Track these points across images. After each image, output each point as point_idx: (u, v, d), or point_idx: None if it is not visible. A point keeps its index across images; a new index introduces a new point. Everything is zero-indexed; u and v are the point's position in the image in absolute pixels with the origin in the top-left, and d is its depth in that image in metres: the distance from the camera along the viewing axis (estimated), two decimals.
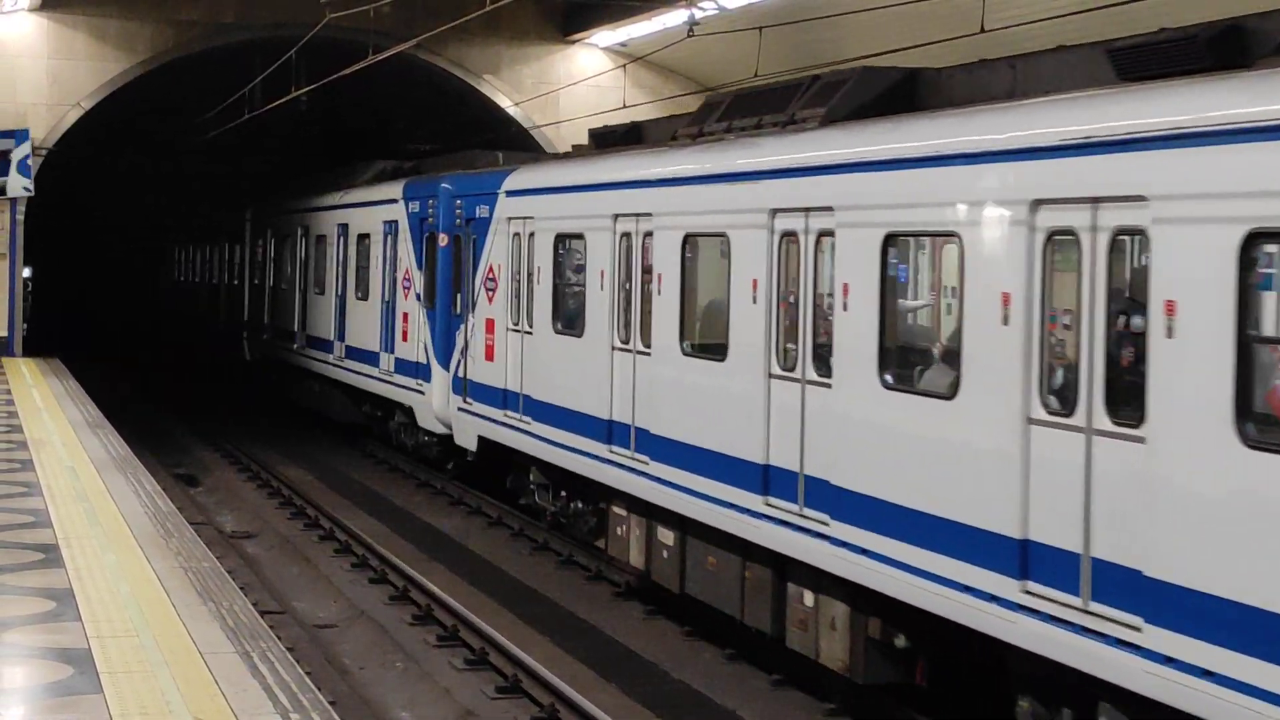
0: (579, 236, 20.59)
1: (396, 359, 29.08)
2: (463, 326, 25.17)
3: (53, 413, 25.49)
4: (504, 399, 22.99)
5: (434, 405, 26.75)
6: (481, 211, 24.32)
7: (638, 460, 18.33)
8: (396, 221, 29.21)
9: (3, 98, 34.30)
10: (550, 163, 24.21)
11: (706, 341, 17.05)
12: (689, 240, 17.41)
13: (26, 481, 18.39)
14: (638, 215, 18.66)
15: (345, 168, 35.51)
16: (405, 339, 28.56)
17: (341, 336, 33.30)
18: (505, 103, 36.57)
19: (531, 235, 22.13)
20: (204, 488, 30.35)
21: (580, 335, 20.18)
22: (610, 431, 19.18)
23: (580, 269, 20.66)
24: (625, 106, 30.45)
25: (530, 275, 22.20)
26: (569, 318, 21.00)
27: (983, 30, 16.60)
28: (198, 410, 41.29)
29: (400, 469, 31.76)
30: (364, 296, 31.59)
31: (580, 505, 21.49)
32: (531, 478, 23.09)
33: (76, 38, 34.58)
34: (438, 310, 26.74)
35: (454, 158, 29.42)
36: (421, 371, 27.51)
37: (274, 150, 52.40)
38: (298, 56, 32.93)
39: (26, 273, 38.07)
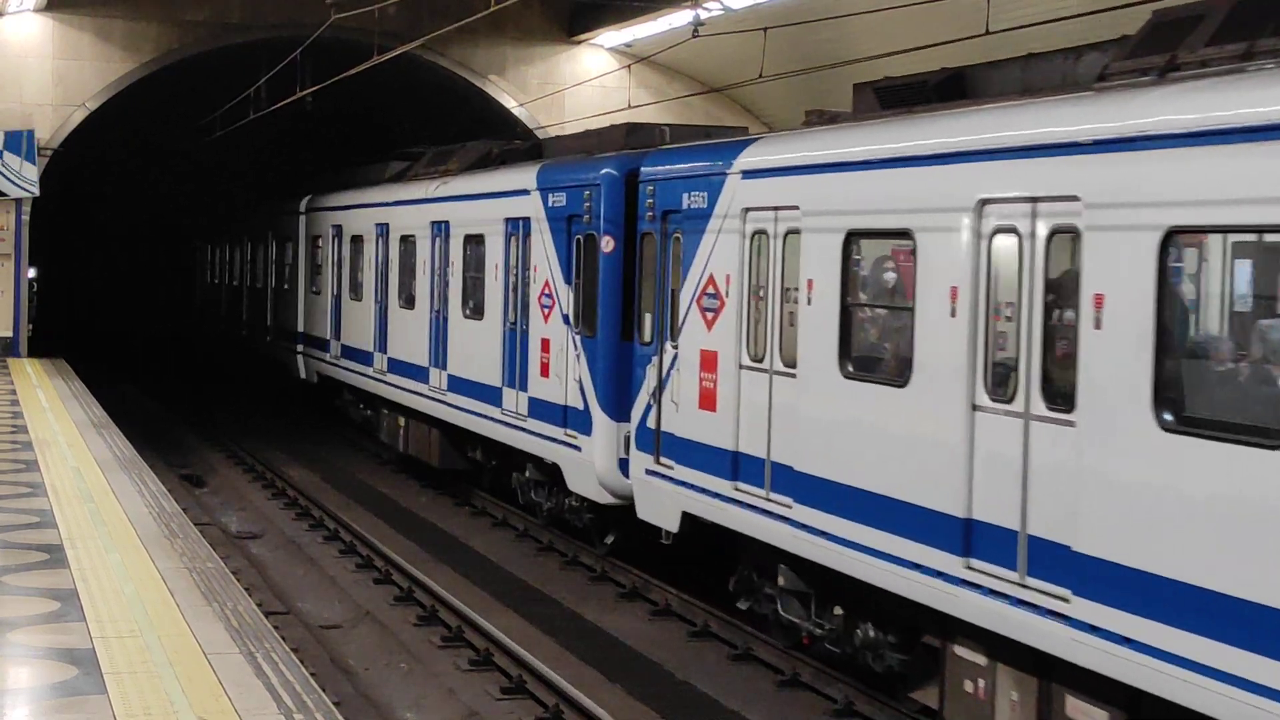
0: (901, 235, 13.91)
1: (531, 399, 22.67)
2: (654, 361, 18.91)
3: (57, 413, 25.50)
4: (733, 465, 16.76)
5: (596, 464, 20.54)
6: (692, 201, 17.95)
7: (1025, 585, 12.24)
8: (527, 219, 23.03)
9: (8, 98, 34.33)
10: (834, 127, 16.07)
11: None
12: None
13: (31, 482, 18.40)
14: (1040, 201, 12.16)
15: (439, 151, 30.71)
16: (545, 374, 22.22)
17: (440, 363, 27.02)
18: (510, 103, 36.58)
19: (793, 233, 15.67)
20: (209, 488, 30.35)
21: (904, 385, 13.70)
22: (969, 537, 12.78)
23: (892, 288, 14.70)
24: (630, 107, 30.46)
25: (791, 292, 15.90)
26: (873, 359, 14.87)
27: (988, 31, 16.59)
28: (203, 411, 41.30)
29: (404, 470, 31.77)
30: (475, 314, 25.32)
31: (882, 635, 14.84)
32: (780, 580, 16.42)
33: (82, 38, 34.60)
34: (601, 338, 20.61)
35: (603, 133, 23.43)
36: (575, 419, 21.24)
37: (330, 139, 51.74)
38: (303, 57, 32.93)
39: (32, 273, 38.03)
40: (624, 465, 20.13)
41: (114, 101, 35.48)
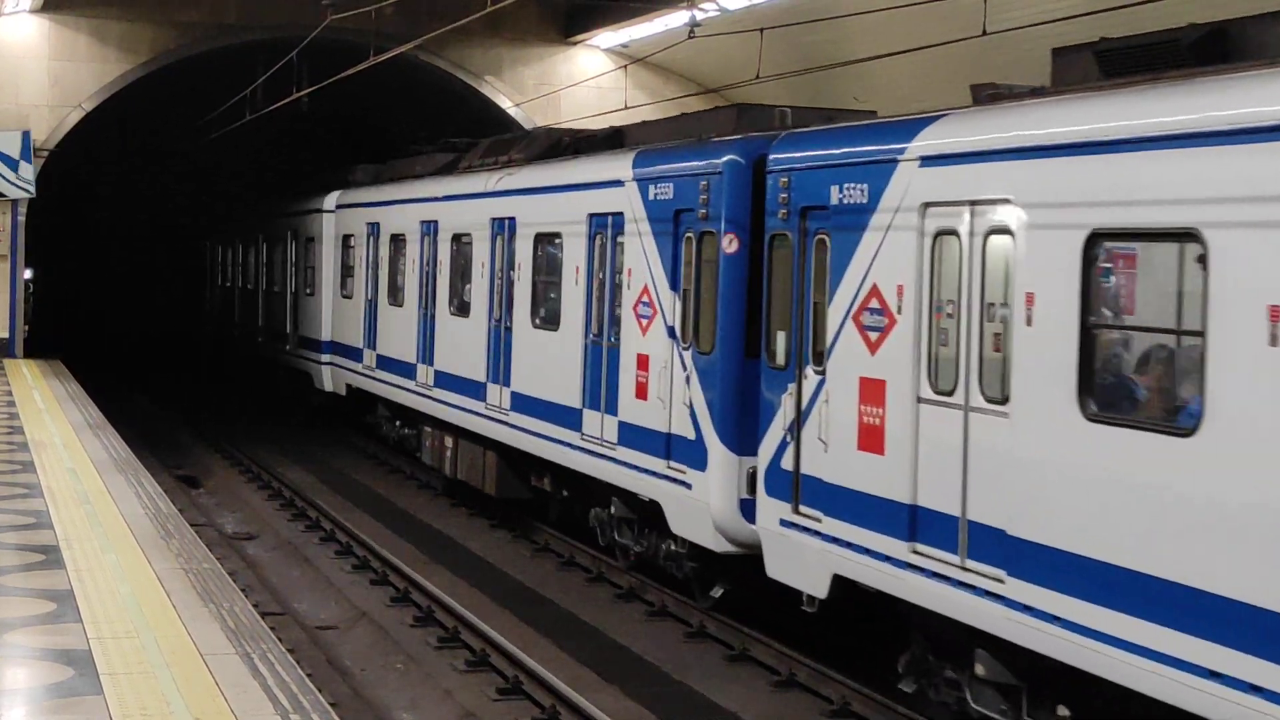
0: (1188, 236, 10.67)
1: (622, 425, 19.46)
2: (789, 388, 15.67)
3: (54, 414, 25.50)
4: (910, 522, 13.67)
5: (712, 504, 17.23)
6: (846, 195, 14.78)
7: None
8: (618, 216, 19.92)
9: (4, 99, 34.33)
10: (1066, 98, 12.72)
11: None
12: None
13: (28, 483, 18.40)
14: None
15: (495, 140, 27.45)
16: (642, 395, 19.01)
17: (502, 379, 23.79)
18: (506, 104, 36.59)
19: (998, 233, 12.76)
20: (205, 489, 30.35)
21: (1189, 432, 10.68)
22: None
23: (1167, 303, 11.35)
24: (626, 108, 30.46)
25: (996, 308, 12.89)
26: (1135, 397, 11.60)
27: (984, 33, 16.60)
28: (199, 411, 41.29)
29: (401, 470, 31.76)
30: (547, 325, 22.21)
31: None
32: (979, 668, 13.14)
33: (78, 39, 34.60)
34: (719, 355, 17.34)
35: (706, 117, 20.21)
36: (683, 450, 17.90)
37: (327, 140, 51.18)
38: (299, 58, 32.93)
39: (28, 274, 38.04)
40: (747, 507, 16.87)
41: (110, 102, 35.48)
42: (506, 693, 16.58)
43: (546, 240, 22.53)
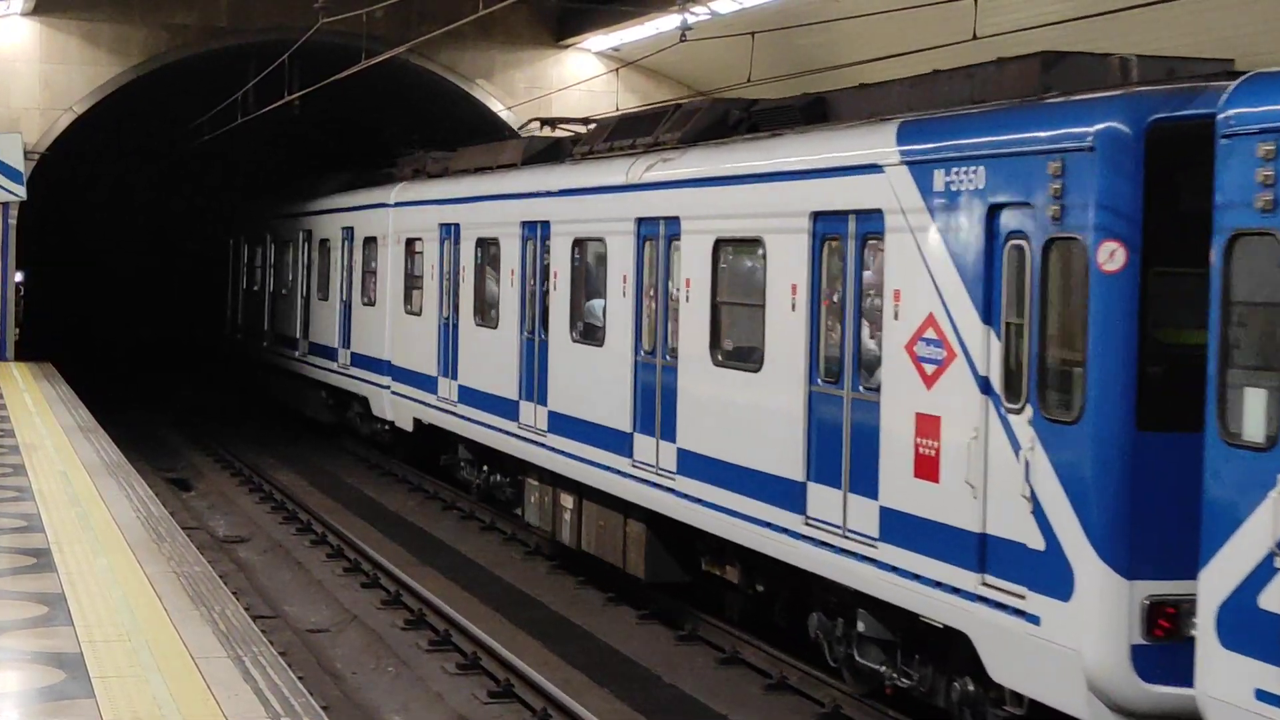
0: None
1: (889, 512, 13.86)
2: None
3: (45, 417, 25.50)
4: None
5: (1087, 653, 11.60)
6: None
7: None
8: (870, 214, 14.29)
9: None
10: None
11: None
12: None
13: (19, 486, 18.40)
14: None
15: (625, 116, 22.45)
16: (927, 473, 13.40)
17: (660, 430, 18.12)
18: (498, 107, 36.59)
19: None
20: (196, 492, 30.35)
21: None
22: None
23: None
24: (618, 111, 30.45)
25: None
26: None
27: (974, 37, 16.62)
28: (190, 415, 41.26)
29: (393, 473, 31.76)
30: (740, 364, 16.53)
31: None
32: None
33: (69, 42, 34.57)
34: (1095, 426, 11.75)
35: (984, 73, 14.39)
36: (1017, 562, 12.36)
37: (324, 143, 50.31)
38: (291, 61, 32.93)
39: (19, 277, 38.00)
40: (1142, 660, 11.44)
41: (101, 105, 35.45)
42: (498, 695, 16.60)
43: (734, 247, 17.06)
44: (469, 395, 24.57)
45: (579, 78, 35.79)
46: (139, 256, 60.07)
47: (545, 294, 21.75)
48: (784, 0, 26.86)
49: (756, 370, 16.00)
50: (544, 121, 26.01)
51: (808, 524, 14.96)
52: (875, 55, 19.88)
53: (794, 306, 15.29)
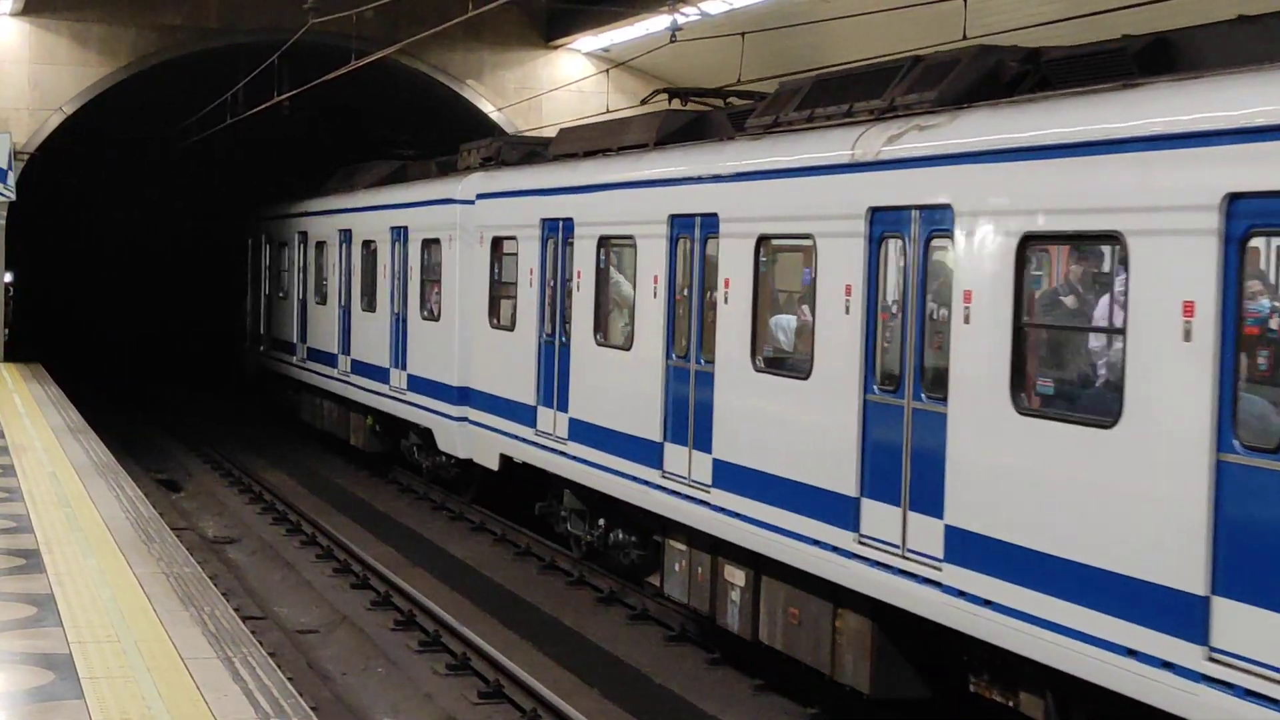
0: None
1: None
2: None
3: (34, 418, 25.46)
4: None
5: None
6: None
7: None
8: None
9: None
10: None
11: None
12: None
13: (8, 487, 18.37)
14: None
15: (825, 80, 16.31)
16: None
17: (911, 499, 13.24)
18: (488, 108, 36.58)
19: None
20: (186, 493, 30.30)
21: None
22: None
23: None
24: (609, 112, 30.46)
25: None
26: None
27: (965, 37, 16.62)
28: (180, 416, 41.21)
29: (382, 475, 31.72)
30: (1059, 408, 11.94)
31: None
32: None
33: (59, 42, 34.54)
34: None
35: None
36: None
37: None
38: (281, 62, 32.91)
39: (8, 278, 37.96)
40: None
41: (90, 106, 35.42)
42: (487, 696, 16.59)
43: (1066, 247, 12.40)
44: (584, 431, 19.72)
45: (569, 78, 35.80)
46: (134, 258, 59.58)
47: (706, 308, 16.86)
48: (774, 1, 26.86)
49: (1111, 425, 11.05)
50: (673, 93, 21.22)
51: (1216, 659, 10.10)
52: (865, 56, 19.87)
53: (1189, 337, 10.38)
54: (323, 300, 33.91)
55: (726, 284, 16.10)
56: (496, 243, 23.58)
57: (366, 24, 29.73)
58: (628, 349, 18.72)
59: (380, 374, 29.12)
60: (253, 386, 42.52)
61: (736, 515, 15.77)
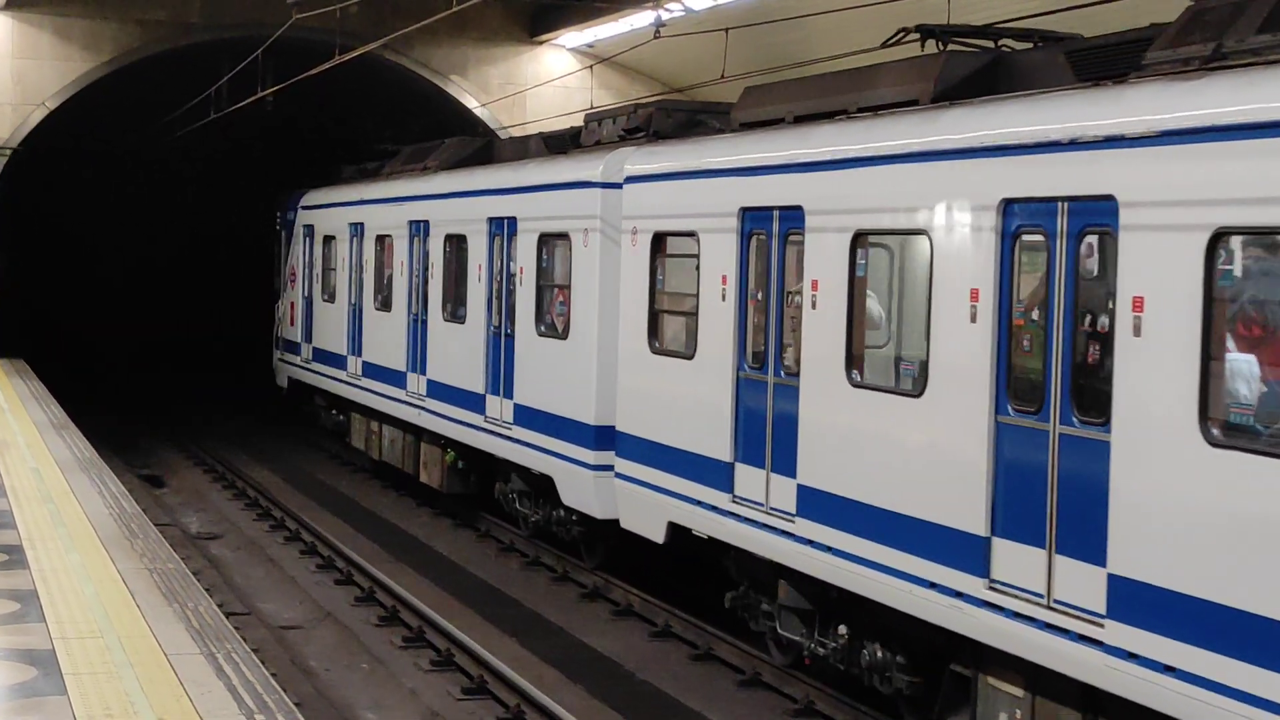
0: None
1: None
2: None
3: (17, 414, 25.41)
4: None
5: None
6: None
7: None
8: None
9: None
10: None
11: None
12: None
13: None
14: None
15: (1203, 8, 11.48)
16: None
17: None
18: (472, 103, 36.55)
19: None
20: (169, 489, 30.26)
21: None
22: None
23: None
24: (592, 108, 30.46)
25: None
26: None
27: None
28: (163, 411, 41.15)
29: (365, 469, 31.69)
30: None
31: None
32: None
33: (41, 37, 34.44)
34: None
35: None
36: None
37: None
38: (264, 57, 32.86)
39: None
40: None
41: (75, 100, 35.34)
42: (471, 692, 16.59)
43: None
44: (826, 506, 14.29)
45: (553, 74, 35.77)
46: (129, 253, 58.66)
47: (1109, 343, 10.99)
48: None
49: None
50: (926, 31, 15.23)
51: None
52: (848, 51, 19.88)
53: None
54: (385, 305, 28.20)
55: (1138, 304, 10.76)
56: (660, 241, 17.96)
57: (350, 19, 29.72)
58: (916, 394, 12.97)
59: (470, 401, 23.58)
60: (285, 403, 37.07)
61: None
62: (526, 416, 21.57)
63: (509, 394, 22.16)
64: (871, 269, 14.22)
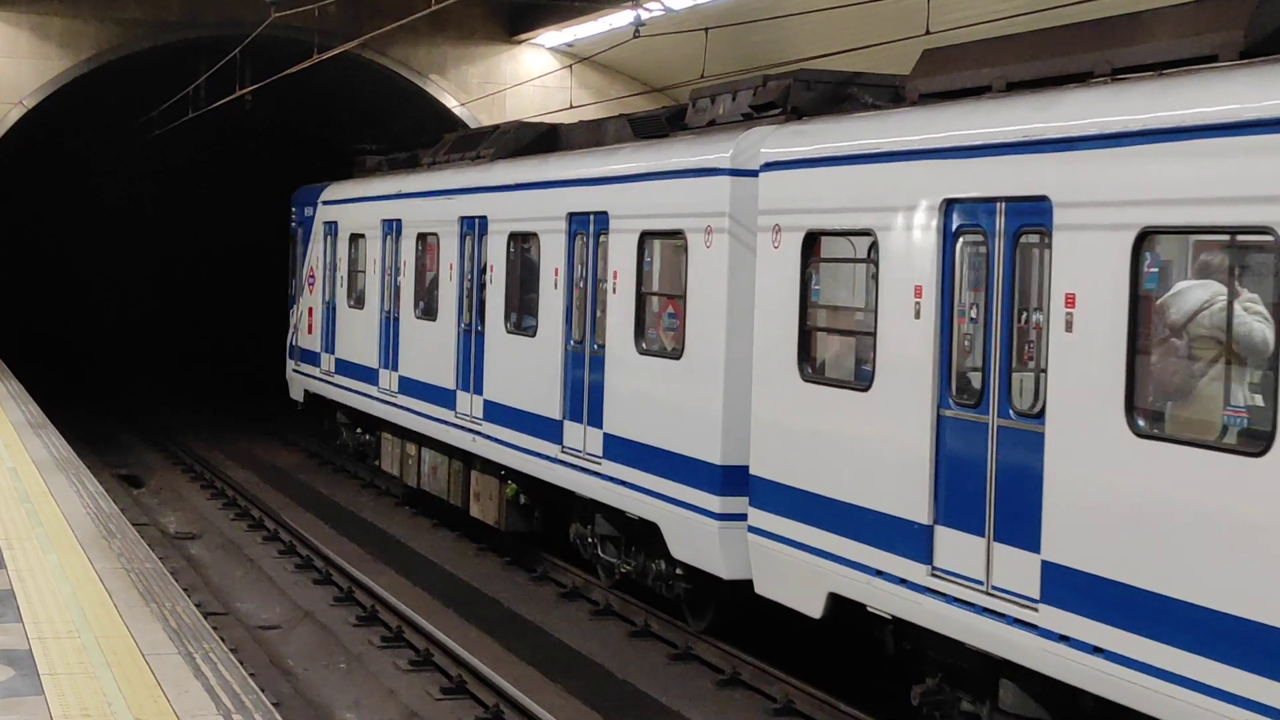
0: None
1: None
2: None
3: None
4: None
5: None
6: None
7: None
8: None
9: None
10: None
11: None
12: None
13: None
14: None
15: None
16: None
17: None
18: (451, 103, 36.51)
19: None
20: (147, 489, 30.20)
21: None
22: None
23: None
24: (572, 107, 30.44)
25: None
26: None
27: (928, 32, 16.66)
28: (141, 410, 41.07)
29: (345, 469, 31.65)
30: None
31: None
32: None
33: (19, 36, 34.35)
34: None
35: None
36: None
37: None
38: (243, 56, 32.82)
39: None
40: None
41: (53, 100, 35.25)
42: (450, 692, 16.57)
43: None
44: (1093, 593, 10.88)
45: (533, 73, 35.75)
46: (107, 253, 58.26)
47: None
48: None
49: None
50: None
51: None
52: (828, 51, 19.89)
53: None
54: (428, 313, 24.77)
55: None
56: (813, 241, 14.59)
57: (329, 18, 29.68)
58: (1258, 451, 9.68)
59: (542, 427, 20.21)
60: (301, 418, 34.44)
61: None
62: (620, 449, 18.01)
63: (596, 422, 18.65)
64: (1185, 280, 10.87)
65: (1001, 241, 12.05)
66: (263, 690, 10.40)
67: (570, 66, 33.55)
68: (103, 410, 40.77)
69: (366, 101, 41.46)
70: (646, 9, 26.42)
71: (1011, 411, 11.81)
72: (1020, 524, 11.60)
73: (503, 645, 18.39)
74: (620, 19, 30.37)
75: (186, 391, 46.20)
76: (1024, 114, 12.06)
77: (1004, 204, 11.99)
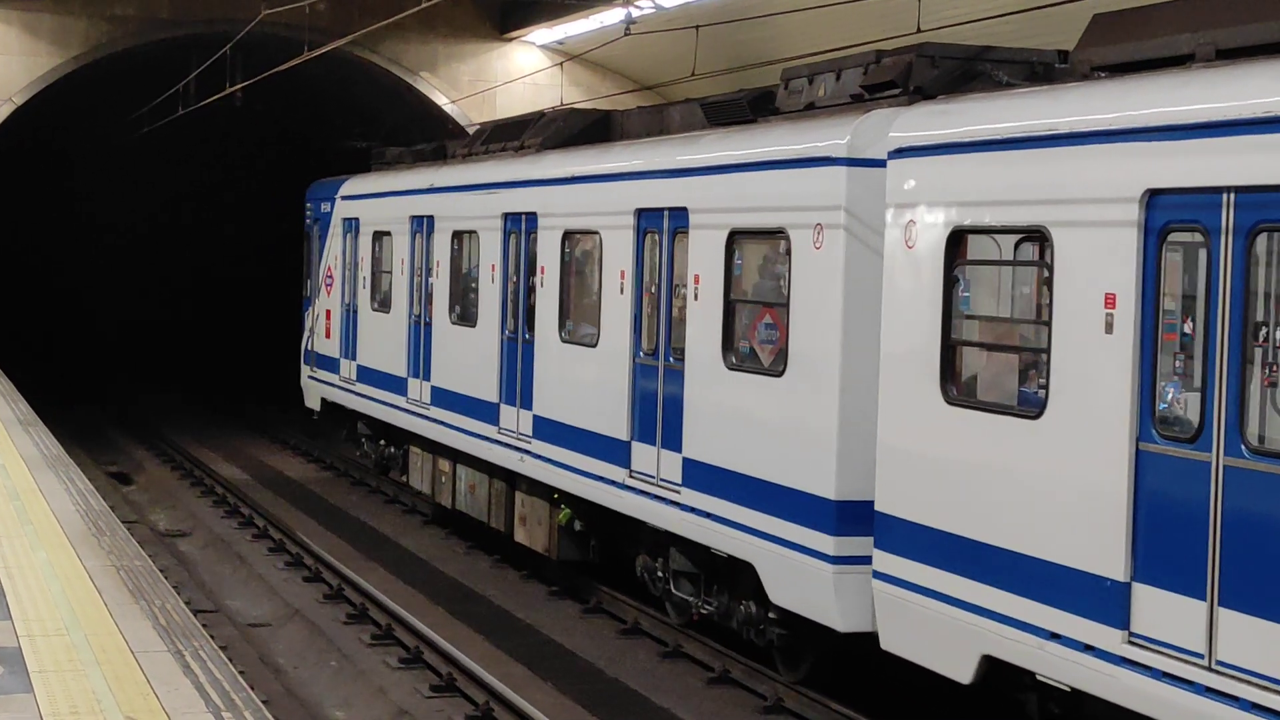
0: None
1: None
2: None
3: None
4: None
5: None
6: None
7: None
8: None
9: None
10: None
11: None
12: None
13: None
14: None
15: None
16: None
17: None
18: (442, 100, 36.50)
19: None
20: (137, 486, 30.18)
21: None
22: None
23: None
24: (562, 104, 30.44)
25: None
26: None
27: (919, 30, 16.66)
28: (131, 408, 41.02)
29: (335, 467, 31.62)
30: None
31: None
32: None
33: (9, 32, 34.30)
34: None
35: None
36: None
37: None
38: (233, 53, 32.79)
39: None
40: None
41: (43, 97, 35.21)
42: (440, 690, 16.57)
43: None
44: None
45: (523, 71, 35.74)
46: (95, 250, 57.87)
47: None
48: None
49: None
50: None
51: None
52: (818, 49, 19.90)
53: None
54: (465, 319, 22.86)
55: None
56: (959, 240, 12.53)
57: (319, 16, 29.68)
58: None
59: (605, 448, 18.16)
60: (317, 427, 32.99)
61: None
62: (704, 477, 16.01)
63: (672, 444, 16.67)
64: None
65: (1230, 240, 9.85)
66: (252, 688, 10.38)
67: (561, 64, 33.55)
68: (93, 408, 40.72)
69: (356, 99, 41.44)
70: (637, 7, 26.43)
71: (1244, 448, 9.69)
72: (1239, 585, 9.56)
73: (493, 643, 18.39)
74: (611, 17, 30.38)
75: (179, 388, 46.11)
76: (1262, 85, 9.78)
77: (1233, 195, 9.82)
